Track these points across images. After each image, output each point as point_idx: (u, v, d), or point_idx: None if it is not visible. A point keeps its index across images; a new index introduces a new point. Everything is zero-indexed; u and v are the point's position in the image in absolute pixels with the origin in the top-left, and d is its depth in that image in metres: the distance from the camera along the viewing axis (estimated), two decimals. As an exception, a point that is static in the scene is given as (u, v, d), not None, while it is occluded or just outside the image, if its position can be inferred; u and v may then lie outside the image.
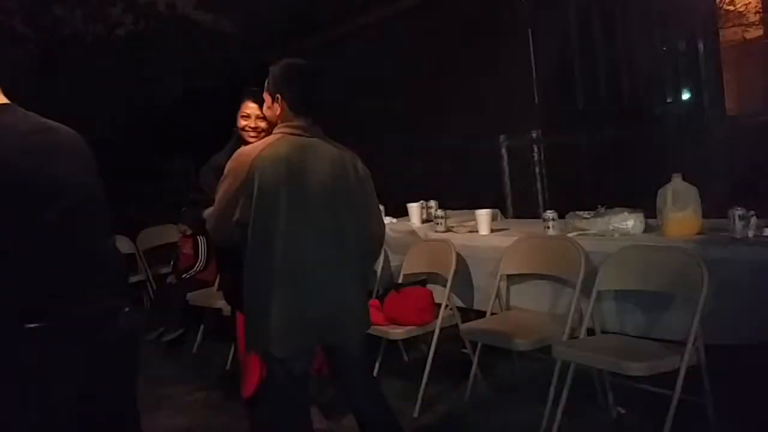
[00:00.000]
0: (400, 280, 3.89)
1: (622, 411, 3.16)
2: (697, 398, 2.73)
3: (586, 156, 5.19)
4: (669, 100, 6.15)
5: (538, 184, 5.20)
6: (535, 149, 5.21)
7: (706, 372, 2.69)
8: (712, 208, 3.23)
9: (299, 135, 2.42)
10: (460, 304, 3.74)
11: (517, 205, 5.21)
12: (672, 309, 2.89)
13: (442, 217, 4.08)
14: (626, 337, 2.99)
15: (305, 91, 2.47)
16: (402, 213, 4.57)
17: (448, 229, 4.05)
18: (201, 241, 5.06)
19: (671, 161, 4.57)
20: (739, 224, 2.86)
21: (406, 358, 4.14)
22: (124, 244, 5.73)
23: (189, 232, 5.14)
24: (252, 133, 2.85)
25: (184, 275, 5.08)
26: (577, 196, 4.39)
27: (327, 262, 2.38)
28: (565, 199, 4.23)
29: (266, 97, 2.51)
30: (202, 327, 4.91)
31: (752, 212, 2.92)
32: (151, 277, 6.03)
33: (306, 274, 2.35)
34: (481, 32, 5.94)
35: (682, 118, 5.62)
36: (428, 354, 3.49)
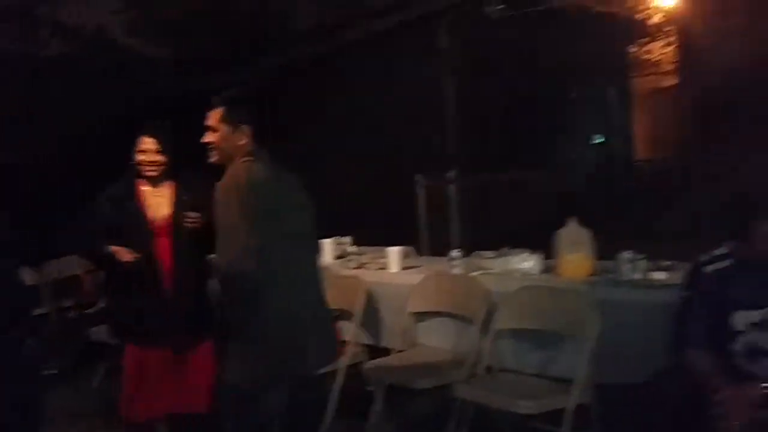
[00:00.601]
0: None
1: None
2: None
3: (500, 196, 5.38)
4: (582, 144, 6.47)
5: (454, 223, 5.33)
6: (452, 189, 5.34)
7: (594, 410, 2.79)
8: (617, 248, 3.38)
9: (267, 163, 2.48)
10: (368, 341, 3.75)
11: (435, 243, 5.31)
12: (565, 348, 2.99)
13: (355, 254, 4.11)
14: (523, 375, 3.07)
15: (265, 121, 2.54)
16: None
17: (360, 266, 4.07)
18: (98, 276, 4.91)
19: (578, 203, 4.78)
20: (627, 267, 3.01)
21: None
22: (28, 276, 5.50)
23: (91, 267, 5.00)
24: (150, 168, 2.83)
25: (86, 310, 4.93)
26: (490, 234, 4.53)
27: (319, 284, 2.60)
28: (480, 237, 4.36)
29: (221, 125, 2.50)
30: (103, 363, 4.75)
31: (642, 256, 3.08)
32: (54, 311, 5.79)
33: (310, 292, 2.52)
34: (402, 75, 6.11)
35: (592, 162, 5.90)
36: (333, 392, 3.48)
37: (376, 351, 3.76)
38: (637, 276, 3.02)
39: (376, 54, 6.26)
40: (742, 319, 2.27)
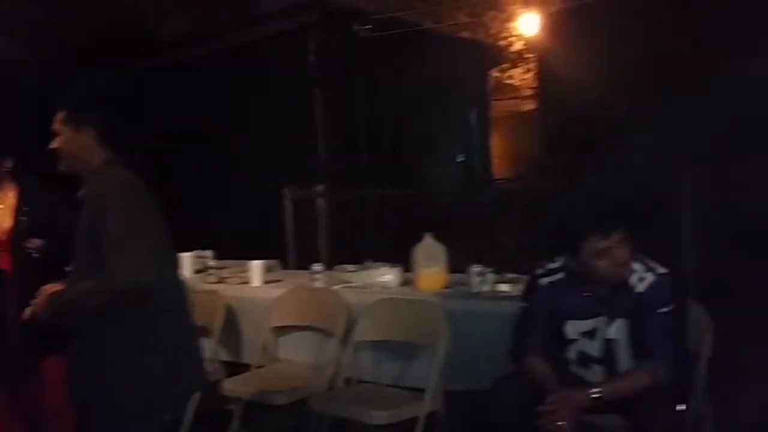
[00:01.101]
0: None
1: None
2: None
3: (366, 211, 5.49)
4: (444, 163, 6.76)
5: (321, 236, 5.37)
6: (320, 202, 5.38)
7: (444, 417, 2.91)
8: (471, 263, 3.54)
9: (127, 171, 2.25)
10: (227, 357, 3.69)
11: (302, 257, 5.32)
12: (419, 358, 3.10)
13: (215, 268, 4.04)
14: (380, 386, 3.15)
15: (112, 120, 2.32)
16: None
17: (221, 280, 4.01)
18: None
19: (441, 218, 4.99)
20: (476, 280, 3.18)
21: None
22: None
23: None
24: None
25: None
26: (355, 248, 4.62)
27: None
28: (346, 251, 4.42)
29: (63, 128, 2.25)
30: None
31: (490, 269, 3.27)
32: None
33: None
34: (270, 88, 6.10)
35: (454, 180, 6.18)
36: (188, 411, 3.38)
37: (236, 367, 3.71)
38: (486, 288, 3.20)
39: (247, 64, 6.21)
40: (573, 328, 2.46)
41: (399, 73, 6.34)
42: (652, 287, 2.29)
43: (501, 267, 3.52)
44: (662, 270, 2.32)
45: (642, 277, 2.32)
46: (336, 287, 3.53)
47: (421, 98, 6.72)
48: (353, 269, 3.56)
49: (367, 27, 5.63)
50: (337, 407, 2.93)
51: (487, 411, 2.53)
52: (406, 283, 3.51)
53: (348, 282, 3.57)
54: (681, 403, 2.33)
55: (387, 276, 3.45)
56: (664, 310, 2.26)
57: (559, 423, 2.18)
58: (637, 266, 2.33)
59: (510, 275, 3.37)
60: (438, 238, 3.47)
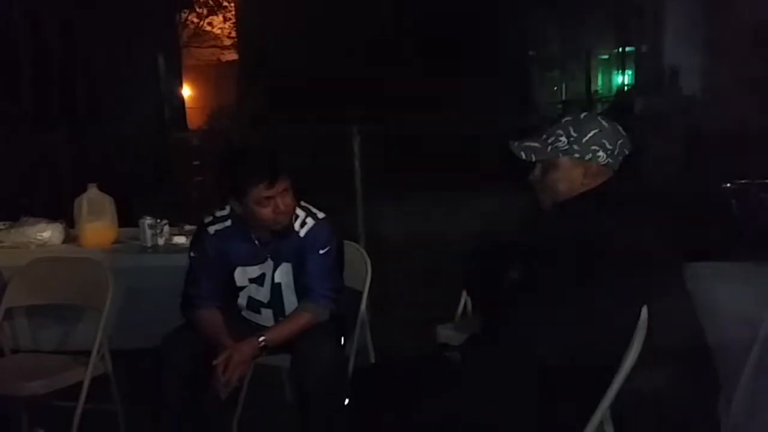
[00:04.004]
0: None
1: (41, 431, 2.99)
2: (108, 406, 2.76)
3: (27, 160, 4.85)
4: (129, 110, 6.27)
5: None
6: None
7: (114, 379, 2.74)
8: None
9: None
10: None
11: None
12: (84, 320, 2.87)
13: None
14: (39, 354, 2.85)
15: None
16: None
17: None
18: None
19: (122, 169, 4.64)
20: (149, 233, 3.02)
21: None
22: None
23: None
24: None
25: None
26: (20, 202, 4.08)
27: None
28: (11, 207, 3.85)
29: None
30: None
31: (164, 221, 3.13)
32: None
33: None
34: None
35: (138, 129, 5.78)
36: None
37: None
38: (161, 242, 3.06)
39: None
40: (242, 275, 2.47)
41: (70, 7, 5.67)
42: (312, 231, 2.39)
43: (182, 218, 3.40)
44: (321, 215, 2.44)
45: (304, 222, 2.41)
46: (-18, 248, 3.07)
47: (101, 39, 6.11)
48: (3, 226, 3.12)
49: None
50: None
51: (158, 367, 2.43)
52: (71, 240, 3.20)
53: (-2, 241, 3.13)
54: (342, 336, 2.51)
55: (45, 233, 3.10)
56: (323, 251, 2.39)
57: (231, 377, 2.19)
58: (299, 212, 2.42)
59: (190, 227, 3.27)
60: (111, 190, 3.22)
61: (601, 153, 1.82)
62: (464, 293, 2.92)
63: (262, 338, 2.31)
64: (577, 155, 1.82)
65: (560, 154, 1.84)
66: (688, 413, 1.82)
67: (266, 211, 2.30)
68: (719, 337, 1.90)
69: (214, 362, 2.21)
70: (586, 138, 1.82)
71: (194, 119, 10.18)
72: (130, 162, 4.75)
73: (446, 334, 2.75)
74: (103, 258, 2.90)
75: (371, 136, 4.14)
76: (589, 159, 1.82)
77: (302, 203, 2.44)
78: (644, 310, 1.68)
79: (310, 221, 2.40)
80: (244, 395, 2.86)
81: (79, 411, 2.55)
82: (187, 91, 8.72)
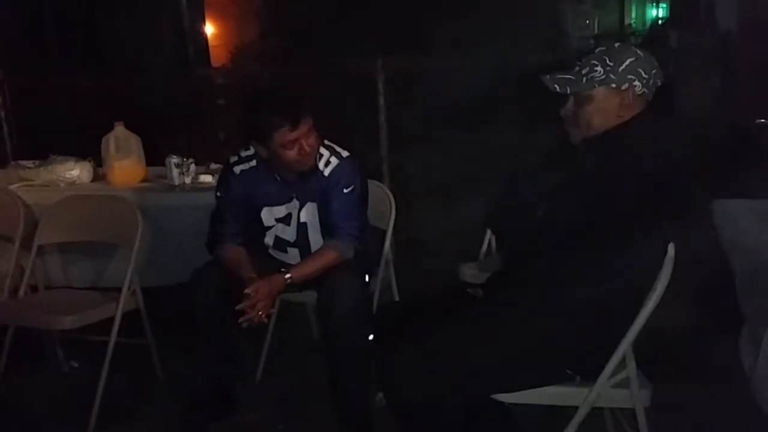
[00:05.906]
0: None
1: (75, 365, 3.11)
2: (140, 340, 2.84)
3: (50, 100, 4.86)
4: (152, 49, 6.22)
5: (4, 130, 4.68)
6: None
7: (146, 315, 2.81)
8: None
9: None
10: None
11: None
12: (115, 257, 2.93)
13: None
14: (72, 290, 2.92)
15: None
16: None
17: None
18: None
19: (147, 108, 4.64)
20: (175, 172, 3.04)
21: None
22: None
23: None
24: None
25: None
26: (39, 142, 4.12)
27: None
28: (39, 146, 3.90)
29: None
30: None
31: (190, 160, 3.14)
32: None
33: None
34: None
35: (162, 68, 5.76)
36: None
37: None
38: (187, 180, 3.08)
39: None
40: (268, 214, 2.49)
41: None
42: (336, 170, 2.39)
43: (207, 157, 3.41)
44: (345, 153, 2.42)
45: (328, 161, 2.40)
46: (13, 186, 3.12)
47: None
48: (32, 165, 3.16)
49: None
50: (18, 317, 2.65)
51: (186, 302, 2.48)
52: (99, 178, 3.23)
53: (28, 180, 3.17)
54: (366, 273, 2.53)
55: (74, 171, 3.13)
56: (347, 190, 2.38)
57: (260, 311, 2.22)
58: (324, 151, 2.40)
59: (214, 165, 3.28)
60: (137, 129, 3.22)
61: (637, 82, 1.77)
62: (488, 232, 2.91)
63: (288, 274, 2.34)
64: (614, 84, 1.77)
65: (596, 85, 1.79)
66: (710, 345, 1.81)
67: (291, 153, 2.29)
68: (745, 272, 1.88)
69: (246, 291, 2.24)
70: (623, 67, 1.77)
71: (217, 57, 10.07)
72: (154, 101, 4.73)
73: (470, 272, 2.76)
74: (132, 196, 2.93)
75: (396, 72, 4.06)
76: (626, 88, 1.77)
77: (326, 142, 2.43)
78: (671, 247, 1.67)
79: (334, 160, 2.39)
80: (271, 331, 2.93)
81: (111, 344, 2.62)
82: (210, 29, 8.56)
